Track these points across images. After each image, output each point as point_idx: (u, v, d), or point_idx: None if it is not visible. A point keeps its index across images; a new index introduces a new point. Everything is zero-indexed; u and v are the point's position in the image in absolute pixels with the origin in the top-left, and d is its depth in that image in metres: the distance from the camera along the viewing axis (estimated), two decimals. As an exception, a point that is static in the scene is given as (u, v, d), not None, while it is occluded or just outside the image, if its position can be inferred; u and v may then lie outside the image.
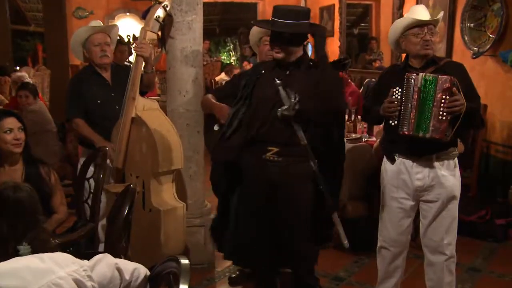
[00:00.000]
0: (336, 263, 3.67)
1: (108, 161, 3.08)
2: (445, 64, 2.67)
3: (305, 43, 2.74)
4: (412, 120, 2.55)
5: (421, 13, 2.67)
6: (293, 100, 2.51)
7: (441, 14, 2.69)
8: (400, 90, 2.59)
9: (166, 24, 3.16)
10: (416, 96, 2.54)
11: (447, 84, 2.45)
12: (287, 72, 2.64)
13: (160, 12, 2.99)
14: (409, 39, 2.64)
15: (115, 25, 3.60)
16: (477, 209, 4.21)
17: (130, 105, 2.97)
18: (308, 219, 2.71)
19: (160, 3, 2.99)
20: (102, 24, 3.42)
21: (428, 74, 2.54)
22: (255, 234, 2.73)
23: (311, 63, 2.68)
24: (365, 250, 3.73)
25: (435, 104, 2.48)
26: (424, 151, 2.65)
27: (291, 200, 2.66)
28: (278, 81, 2.55)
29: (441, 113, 2.47)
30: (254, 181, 2.70)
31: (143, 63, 3.09)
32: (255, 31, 3.25)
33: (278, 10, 2.60)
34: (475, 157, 4.55)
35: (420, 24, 2.62)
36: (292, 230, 2.71)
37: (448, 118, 2.46)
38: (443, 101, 2.46)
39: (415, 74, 2.55)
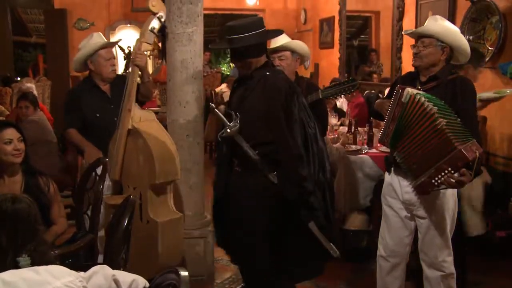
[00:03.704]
0: (336, 274, 3.65)
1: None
2: (451, 80, 2.62)
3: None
4: (389, 133, 2.58)
5: (424, 24, 2.68)
6: (233, 121, 2.59)
7: (428, 24, 2.64)
8: (391, 102, 2.62)
9: (166, 35, 3.18)
10: (398, 110, 2.54)
11: (461, 164, 2.34)
12: (235, 85, 2.74)
13: (155, 24, 3.02)
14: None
15: (119, 40, 3.69)
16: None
17: (126, 116, 2.98)
18: (257, 232, 2.68)
19: (155, 14, 3.02)
20: (103, 37, 3.47)
21: (416, 94, 2.47)
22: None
23: (267, 73, 2.66)
24: (366, 261, 3.72)
25: (436, 167, 2.39)
26: None
27: (240, 210, 2.72)
28: (212, 105, 2.72)
29: (436, 178, 2.41)
30: (228, 189, 2.82)
31: (139, 73, 3.12)
32: None
33: (229, 28, 2.65)
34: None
35: (413, 37, 2.70)
36: (238, 240, 2.78)
37: (440, 186, 2.43)
38: (445, 171, 2.37)
39: (403, 88, 2.55)
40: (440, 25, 2.64)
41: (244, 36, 2.59)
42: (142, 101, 3.31)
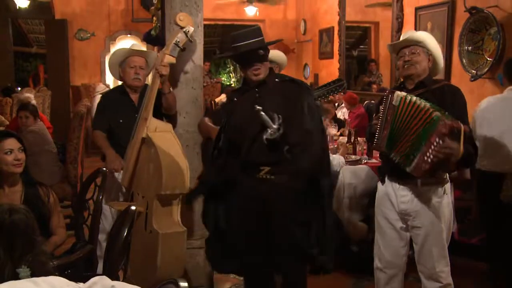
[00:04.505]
0: (336, 285, 3.64)
1: (118, 177, 3.16)
2: (439, 88, 2.66)
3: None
4: (384, 138, 2.57)
5: (405, 36, 2.73)
6: (276, 124, 2.51)
7: (411, 34, 2.70)
8: (382, 108, 2.63)
9: (185, 48, 3.16)
10: (390, 113, 2.56)
11: (445, 130, 2.38)
12: (257, 95, 2.66)
13: (180, 37, 3.03)
14: (397, 63, 2.74)
15: (153, 52, 3.69)
16: (478, 232, 4.19)
17: (142, 125, 3.01)
18: (301, 235, 2.65)
19: (181, 28, 3.02)
20: (141, 47, 3.49)
21: (406, 95, 2.53)
22: (249, 247, 2.73)
23: (276, 79, 2.70)
24: (366, 271, 3.70)
25: (426, 144, 2.42)
26: (407, 175, 2.62)
27: (284, 216, 2.64)
28: (258, 107, 2.55)
29: (428, 154, 2.42)
30: (249, 199, 2.71)
31: (159, 84, 3.12)
32: None
33: (239, 35, 2.65)
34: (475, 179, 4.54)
35: (399, 47, 2.71)
36: (284, 245, 2.67)
37: (434, 161, 2.42)
38: (434, 144, 2.40)
39: (392, 92, 2.59)
40: (425, 33, 2.74)
41: (262, 39, 2.63)
42: (166, 114, 3.31)
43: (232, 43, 2.66)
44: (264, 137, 2.53)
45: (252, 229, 2.70)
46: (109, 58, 3.51)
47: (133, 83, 3.40)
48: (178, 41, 3.03)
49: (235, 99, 2.80)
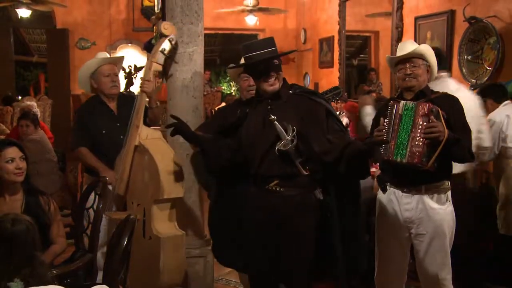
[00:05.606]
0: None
1: (110, 188, 3.13)
2: (438, 97, 2.69)
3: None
4: (392, 146, 2.58)
5: (405, 48, 2.75)
6: (290, 135, 2.48)
7: (413, 47, 2.73)
8: (387, 118, 2.63)
9: (170, 56, 3.21)
10: (397, 122, 2.58)
11: (425, 110, 2.50)
12: (269, 107, 2.60)
13: (166, 45, 3.09)
14: (397, 75, 2.76)
15: (123, 57, 3.73)
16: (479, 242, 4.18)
17: (134, 133, 3.02)
18: (309, 249, 2.63)
19: (166, 36, 3.08)
20: (108, 56, 3.52)
21: (409, 102, 2.60)
22: (256, 253, 2.69)
23: (290, 91, 2.65)
24: (366, 282, 3.68)
25: (413, 130, 2.52)
26: (411, 181, 2.65)
27: (291, 229, 2.60)
28: (273, 117, 2.52)
29: (417, 137, 2.50)
30: (258, 209, 2.66)
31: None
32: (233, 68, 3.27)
33: (253, 44, 2.62)
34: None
35: (400, 60, 2.73)
36: (290, 258, 2.63)
37: (425, 142, 2.48)
38: (420, 126, 2.49)
39: (397, 102, 2.61)
40: (425, 46, 2.77)
41: (276, 49, 2.58)
42: (149, 125, 3.33)
43: (245, 53, 2.60)
44: (277, 148, 2.49)
45: (259, 237, 2.66)
46: (80, 71, 3.48)
47: (111, 91, 3.41)
48: (164, 49, 3.09)
49: (248, 110, 2.72)
